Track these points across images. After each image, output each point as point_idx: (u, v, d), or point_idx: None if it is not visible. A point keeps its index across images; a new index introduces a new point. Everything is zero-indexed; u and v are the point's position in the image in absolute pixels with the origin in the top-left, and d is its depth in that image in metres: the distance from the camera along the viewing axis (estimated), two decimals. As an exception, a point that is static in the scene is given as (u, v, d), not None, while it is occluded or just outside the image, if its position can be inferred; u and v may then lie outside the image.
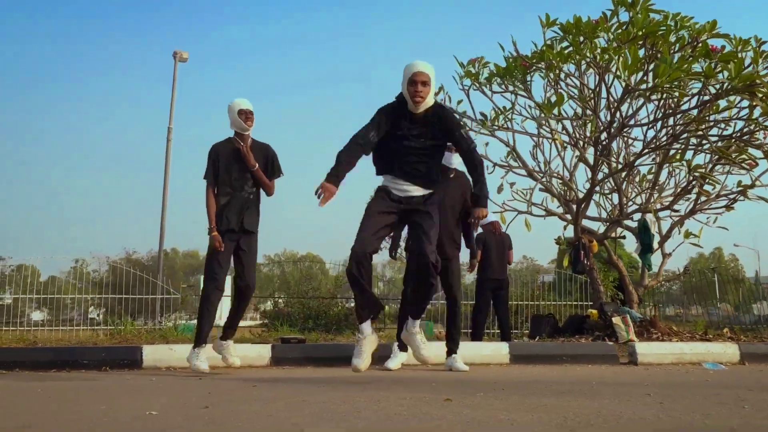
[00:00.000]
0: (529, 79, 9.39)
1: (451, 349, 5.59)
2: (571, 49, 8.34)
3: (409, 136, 4.21)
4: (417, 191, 4.29)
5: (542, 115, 8.86)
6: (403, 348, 5.47)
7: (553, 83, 9.23)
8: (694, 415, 2.90)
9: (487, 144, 9.89)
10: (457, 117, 6.29)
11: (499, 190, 9.63)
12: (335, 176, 4.03)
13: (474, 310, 8.48)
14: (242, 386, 4.13)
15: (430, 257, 4.11)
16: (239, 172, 5.16)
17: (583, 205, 9.70)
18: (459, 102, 10.03)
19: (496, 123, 9.43)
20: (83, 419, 2.83)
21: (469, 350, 6.27)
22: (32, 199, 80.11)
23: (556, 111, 8.53)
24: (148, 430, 2.53)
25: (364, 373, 4.38)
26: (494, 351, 6.30)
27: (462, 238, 5.81)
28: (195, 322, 5.32)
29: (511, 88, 9.55)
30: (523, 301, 13.56)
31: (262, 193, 5.33)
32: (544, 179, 9.98)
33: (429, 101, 4.23)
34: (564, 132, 9.56)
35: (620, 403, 3.26)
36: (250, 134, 5.32)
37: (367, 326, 4.16)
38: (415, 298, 4.42)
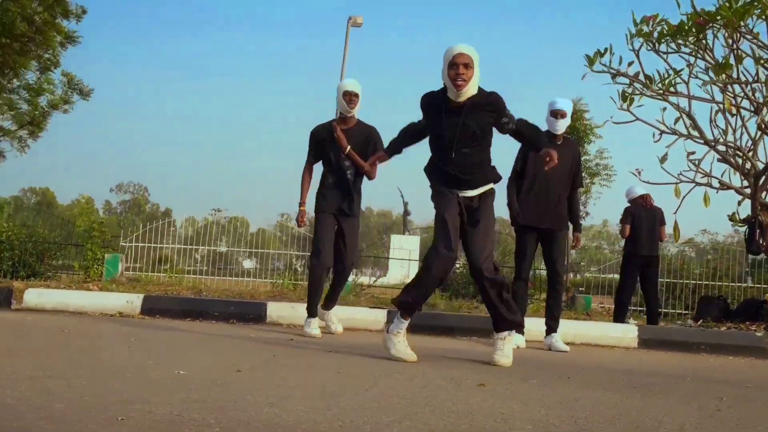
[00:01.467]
0: (703, 38, 8.49)
1: (551, 327, 5.30)
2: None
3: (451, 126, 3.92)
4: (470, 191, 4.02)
5: (714, 77, 7.99)
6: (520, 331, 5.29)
7: (729, 43, 8.28)
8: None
9: (664, 109, 9.12)
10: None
11: (663, 159, 8.88)
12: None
13: (618, 288, 7.96)
14: (315, 354, 4.25)
15: (485, 273, 3.88)
16: (337, 155, 5.24)
17: (763, 179, 8.69)
18: (630, 64, 9.33)
19: (664, 85, 8.66)
20: (109, 367, 3.09)
21: (595, 330, 5.97)
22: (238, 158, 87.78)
23: (724, 75, 7.65)
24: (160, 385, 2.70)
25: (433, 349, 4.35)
26: (622, 333, 5.91)
27: (567, 210, 5.48)
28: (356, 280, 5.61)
29: (685, 49, 8.71)
30: (700, 280, 12.45)
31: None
32: (722, 149, 9.06)
33: (472, 88, 3.84)
34: (743, 97, 8.58)
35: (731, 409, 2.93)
36: (355, 115, 5.32)
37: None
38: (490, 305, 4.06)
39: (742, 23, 7.81)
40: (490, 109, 3.91)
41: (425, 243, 30.89)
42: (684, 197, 8.97)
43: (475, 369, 3.75)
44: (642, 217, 7.69)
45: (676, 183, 9.09)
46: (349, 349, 4.30)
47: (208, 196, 69.89)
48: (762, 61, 7.79)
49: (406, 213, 40.55)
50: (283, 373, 3.19)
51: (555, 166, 4.03)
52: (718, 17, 7.91)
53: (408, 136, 4.27)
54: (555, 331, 5.27)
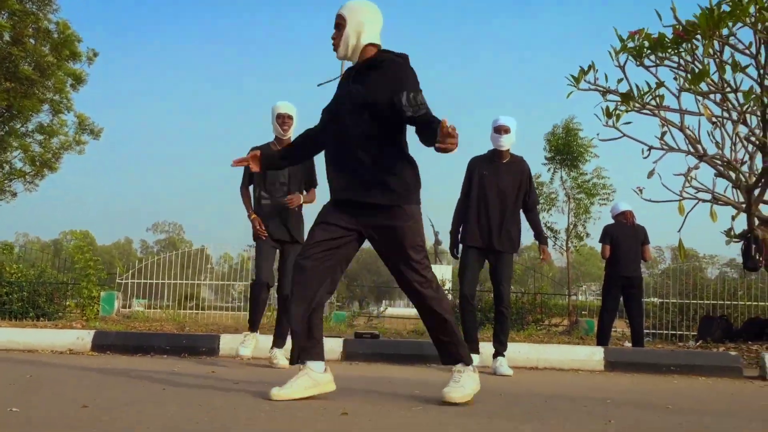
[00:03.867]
0: (686, 51, 8.26)
1: (497, 351, 5.14)
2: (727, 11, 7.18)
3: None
4: None
5: (691, 88, 7.74)
6: (474, 351, 5.15)
7: (710, 53, 8.02)
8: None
9: (663, 128, 8.84)
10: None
11: (650, 175, 8.58)
12: None
13: (600, 310, 7.64)
14: (201, 390, 4.07)
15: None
16: (272, 179, 5.20)
17: (757, 192, 8.33)
18: (619, 81, 9.10)
19: (643, 99, 8.41)
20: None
21: (560, 354, 5.70)
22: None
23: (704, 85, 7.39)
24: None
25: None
26: (587, 356, 5.62)
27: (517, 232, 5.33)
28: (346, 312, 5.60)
29: (670, 62, 8.47)
30: (711, 300, 11.96)
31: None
32: (716, 162, 8.72)
33: None
34: (726, 108, 8.29)
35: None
36: (291, 139, 5.18)
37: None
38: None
39: (717, 32, 7.57)
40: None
41: (456, 272, 30.73)
42: (687, 214, 8.65)
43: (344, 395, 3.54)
44: (623, 237, 7.40)
45: (680, 200, 8.78)
46: (256, 383, 4.11)
47: (240, 232, 70.49)
48: (739, 68, 7.50)
49: (437, 243, 40.34)
50: (129, 408, 3.02)
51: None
52: (696, 27, 7.69)
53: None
54: (501, 355, 5.07)
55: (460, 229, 5.40)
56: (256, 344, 5.20)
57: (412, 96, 3.13)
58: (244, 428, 2.52)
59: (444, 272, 24.96)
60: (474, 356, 5.06)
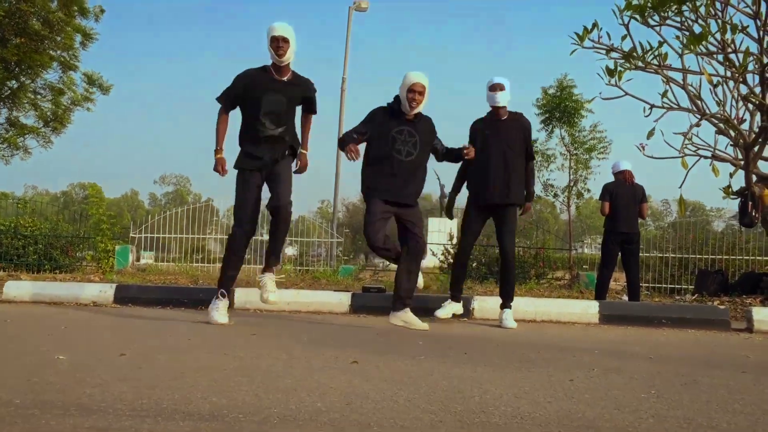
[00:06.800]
0: (687, 8, 8.34)
1: (504, 303, 5.40)
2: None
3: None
4: None
5: (690, 47, 7.85)
6: (455, 299, 5.49)
7: (711, 13, 8.12)
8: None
9: (666, 84, 8.98)
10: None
11: (649, 135, 8.76)
12: None
13: (599, 265, 7.93)
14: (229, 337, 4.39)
15: None
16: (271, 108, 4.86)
17: (756, 149, 8.51)
18: (623, 38, 9.19)
19: (646, 58, 8.53)
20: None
21: (556, 307, 5.99)
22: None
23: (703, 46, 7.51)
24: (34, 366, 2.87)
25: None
26: (583, 310, 5.92)
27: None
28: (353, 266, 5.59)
29: (673, 21, 8.56)
30: (710, 255, 12.24)
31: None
32: (715, 120, 8.88)
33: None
34: (728, 67, 8.41)
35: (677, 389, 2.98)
36: (290, 66, 4.93)
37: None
38: None
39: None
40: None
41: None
42: (689, 170, 8.85)
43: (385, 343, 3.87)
44: (622, 195, 7.63)
45: (681, 156, 8.97)
46: (271, 335, 4.44)
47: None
48: (739, 29, 7.61)
49: (443, 196, 40.49)
50: (176, 358, 3.34)
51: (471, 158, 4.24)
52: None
53: None
54: (508, 307, 5.37)
55: (460, 189, 5.68)
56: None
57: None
58: (265, 374, 2.84)
59: (451, 226, 24.99)
60: (455, 305, 5.46)
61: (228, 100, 4.92)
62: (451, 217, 5.89)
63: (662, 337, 5.04)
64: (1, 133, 16.59)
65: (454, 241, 19.89)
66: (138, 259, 14.39)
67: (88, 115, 17.05)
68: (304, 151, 5.15)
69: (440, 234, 22.70)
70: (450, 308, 5.42)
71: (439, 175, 36.05)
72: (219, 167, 4.92)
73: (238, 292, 6.18)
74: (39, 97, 16.65)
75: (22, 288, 6.22)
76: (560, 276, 12.81)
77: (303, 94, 5.06)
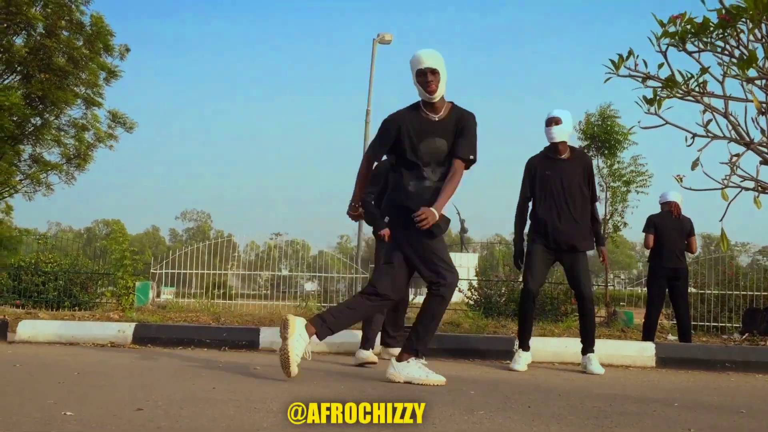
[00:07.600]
0: (731, 35, 7.99)
1: (586, 348, 5.02)
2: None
3: None
4: None
5: (740, 73, 7.48)
6: (525, 348, 5.06)
7: (758, 37, 7.75)
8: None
9: (704, 111, 8.61)
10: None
11: (694, 165, 8.34)
12: None
13: (647, 303, 7.44)
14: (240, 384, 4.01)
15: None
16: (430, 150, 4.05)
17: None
18: (660, 66, 8.86)
19: (688, 85, 8.16)
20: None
21: (608, 349, 5.54)
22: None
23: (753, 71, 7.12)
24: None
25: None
26: (637, 352, 5.48)
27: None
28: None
29: (716, 45, 8.21)
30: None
31: None
32: (763, 150, 8.46)
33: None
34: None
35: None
36: (444, 98, 4.10)
37: None
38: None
39: (766, 15, 7.30)
40: None
41: (483, 260, 30.34)
42: (730, 202, 8.40)
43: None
44: (668, 228, 7.15)
45: (722, 188, 8.53)
46: (302, 381, 4.04)
47: (269, 221, 70.91)
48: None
49: (464, 230, 40.04)
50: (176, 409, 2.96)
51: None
52: (742, 13, 7.43)
53: None
54: (591, 351, 5.01)
55: (523, 234, 5.27)
56: None
57: None
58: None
59: (470, 259, 24.57)
60: (527, 354, 4.99)
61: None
62: (520, 266, 5.35)
63: (732, 384, 4.57)
64: (24, 170, 16.55)
65: (471, 274, 19.51)
66: (158, 295, 14.11)
67: (109, 150, 16.88)
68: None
69: (461, 269, 22.38)
70: (525, 360, 5.02)
71: (459, 210, 35.57)
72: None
73: (265, 332, 5.80)
74: (62, 133, 16.61)
75: (36, 328, 5.89)
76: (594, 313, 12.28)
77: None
